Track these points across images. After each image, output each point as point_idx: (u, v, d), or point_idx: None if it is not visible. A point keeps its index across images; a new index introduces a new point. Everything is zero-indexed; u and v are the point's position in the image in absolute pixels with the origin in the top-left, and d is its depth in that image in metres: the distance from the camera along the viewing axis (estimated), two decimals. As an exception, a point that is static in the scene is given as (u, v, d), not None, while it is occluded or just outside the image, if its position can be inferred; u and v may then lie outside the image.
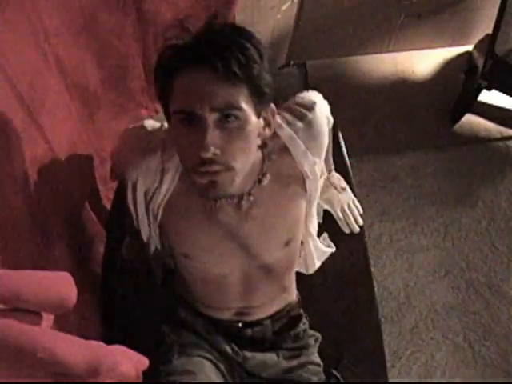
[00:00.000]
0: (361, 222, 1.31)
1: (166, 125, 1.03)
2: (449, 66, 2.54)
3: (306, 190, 1.05)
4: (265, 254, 1.08)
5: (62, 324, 0.89)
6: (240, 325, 1.19)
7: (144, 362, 0.59)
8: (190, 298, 1.20)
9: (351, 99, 2.35)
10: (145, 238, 1.11)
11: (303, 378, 1.16)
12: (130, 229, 1.29)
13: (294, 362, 1.18)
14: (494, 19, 2.02)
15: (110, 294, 1.33)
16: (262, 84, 0.84)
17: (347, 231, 1.31)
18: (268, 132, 0.93)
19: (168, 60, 0.85)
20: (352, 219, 1.31)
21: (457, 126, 2.37)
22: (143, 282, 1.33)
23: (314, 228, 1.17)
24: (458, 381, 1.79)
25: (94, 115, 1.38)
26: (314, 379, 1.16)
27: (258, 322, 1.19)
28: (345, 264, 1.44)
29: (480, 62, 2.16)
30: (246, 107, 0.83)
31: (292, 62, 2.25)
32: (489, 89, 2.18)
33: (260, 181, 0.99)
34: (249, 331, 1.19)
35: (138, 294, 1.34)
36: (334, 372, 1.20)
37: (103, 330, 1.25)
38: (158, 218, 1.03)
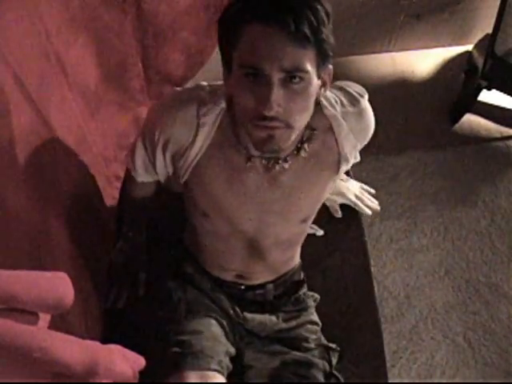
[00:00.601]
0: (376, 201, 1.34)
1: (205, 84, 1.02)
2: (449, 65, 2.54)
3: (337, 172, 1.06)
4: (280, 226, 1.09)
5: (62, 324, 0.89)
6: (242, 287, 1.22)
7: (141, 362, 0.58)
8: (196, 252, 1.23)
9: (351, 99, 2.34)
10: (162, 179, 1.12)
11: (302, 336, 1.21)
12: (125, 233, 1.31)
13: (293, 323, 1.22)
14: (493, 19, 2.01)
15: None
16: (328, 47, 0.84)
17: (369, 212, 1.36)
18: (323, 91, 0.93)
19: (238, 9, 0.83)
20: (368, 200, 1.35)
21: (457, 126, 2.36)
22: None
23: None
24: (458, 381, 1.79)
25: (95, 114, 1.38)
26: (313, 337, 1.21)
27: (261, 286, 1.22)
28: (345, 264, 1.44)
29: (480, 62, 2.15)
30: (311, 69, 0.83)
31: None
32: (489, 89, 2.17)
33: (298, 150, 0.98)
34: (250, 294, 1.22)
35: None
36: (334, 372, 1.20)
37: (103, 330, 1.25)
38: (186, 176, 1.03)
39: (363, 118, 1.03)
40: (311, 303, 1.27)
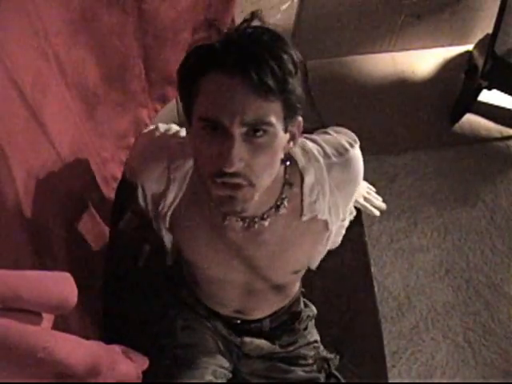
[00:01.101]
0: (381, 199, 1.36)
1: (179, 130, 1.00)
2: (449, 65, 2.54)
3: (327, 227, 0.99)
4: (270, 277, 1.05)
5: (62, 324, 0.89)
6: (238, 321, 1.20)
7: (144, 361, 0.59)
8: (194, 287, 1.20)
9: (351, 99, 2.34)
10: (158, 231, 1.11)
11: (300, 354, 1.20)
12: (133, 206, 1.32)
13: (290, 348, 1.21)
14: (493, 19, 2.01)
15: (112, 286, 1.34)
16: (295, 99, 0.78)
17: (378, 213, 1.35)
18: (292, 146, 0.86)
19: (196, 59, 0.79)
20: (376, 201, 1.36)
21: (457, 125, 2.36)
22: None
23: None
24: (458, 381, 1.79)
25: (94, 115, 1.38)
26: (311, 354, 1.20)
27: (257, 320, 1.20)
28: (345, 264, 1.44)
29: (480, 62, 2.15)
30: (276, 122, 0.77)
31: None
32: (489, 88, 2.17)
33: (278, 207, 0.92)
34: (246, 326, 1.21)
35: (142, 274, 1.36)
36: (334, 372, 1.20)
37: (103, 330, 1.25)
38: (167, 222, 1.01)
39: (349, 169, 0.94)
40: (307, 324, 1.25)
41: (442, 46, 2.56)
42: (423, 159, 2.25)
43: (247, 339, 1.19)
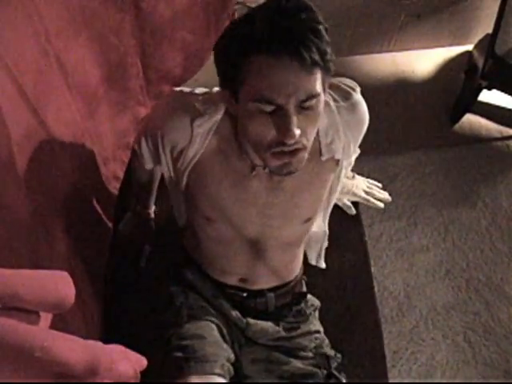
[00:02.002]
0: (384, 192, 1.41)
1: (202, 90, 1.03)
2: (449, 65, 2.54)
3: (336, 167, 1.07)
4: (284, 227, 1.10)
5: (62, 324, 0.89)
6: (244, 294, 1.21)
7: (142, 361, 0.58)
8: (198, 257, 1.23)
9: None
10: (169, 187, 1.15)
11: (300, 345, 1.21)
12: (133, 207, 1.34)
13: (293, 333, 1.22)
14: (493, 19, 2.02)
15: (112, 286, 1.34)
16: (332, 63, 0.84)
17: (382, 205, 1.40)
18: (324, 97, 0.92)
19: (240, 39, 0.82)
20: (378, 193, 1.40)
21: (457, 125, 2.36)
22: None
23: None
24: (458, 381, 1.79)
25: (94, 114, 1.38)
26: (311, 345, 1.21)
27: (262, 294, 1.22)
28: (345, 264, 1.45)
29: (480, 62, 2.15)
30: (321, 90, 0.84)
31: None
32: (489, 89, 2.17)
33: None
34: (252, 302, 1.22)
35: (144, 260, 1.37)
36: (334, 372, 1.20)
37: (103, 330, 1.25)
38: (184, 179, 1.05)
39: (357, 111, 1.02)
40: (311, 312, 1.27)
41: (442, 46, 2.57)
42: (423, 159, 2.26)
43: (252, 321, 1.20)
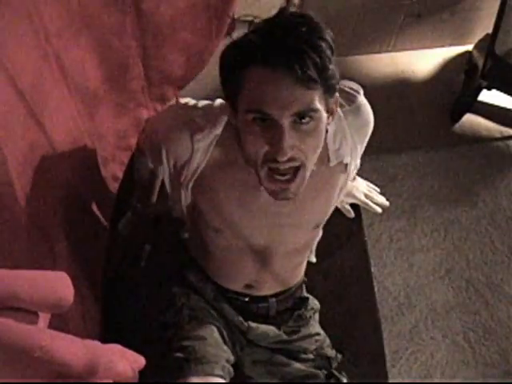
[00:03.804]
0: (382, 197, 1.40)
1: (202, 103, 1.03)
2: (449, 65, 2.54)
3: (345, 172, 1.06)
4: (293, 235, 1.10)
5: (60, 323, 0.89)
6: (246, 299, 1.21)
7: (141, 361, 0.58)
8: (202, 262, 1.22)
9: (351, 99, 2.34)
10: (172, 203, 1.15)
11: (301, 347, 1.21)
12: (133, 206, 1.33)
13: (294, 336, 1.22)
14: (493, 19, 2.02)
15: (112, 286, 1.34)
16: (334, 81, 0.84)
17: (380, 210, 1.39)
18: (330, 120, 0.92)
19: (240, 51, 0.83)
20: (377, 198, 1.39)
21: (457, 125, 2.36)
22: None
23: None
24: (458, 381, 1.79)
25: (94, 115, 1.38)
26: (312, 348, 1.21)
27: (264, 299, 1.21)
28: (345, 264, 1.44)
29: (480, 62, 2.16)
30: (320, 106, 0.83)
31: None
32: (489, 89, 2.17)
33: None
34: (254, 307, 1.22)
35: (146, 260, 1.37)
36: (334, 372, 1.20)
37: (103, 330, 1.25)
38: (189, 191, 1.05)
39: (362, 113, 1.03)
40: (312, 315, 1.27)
41: (442, 46, 2.57)
42: (423, 159, 2.26)
43: (253, 324, 1.20)
